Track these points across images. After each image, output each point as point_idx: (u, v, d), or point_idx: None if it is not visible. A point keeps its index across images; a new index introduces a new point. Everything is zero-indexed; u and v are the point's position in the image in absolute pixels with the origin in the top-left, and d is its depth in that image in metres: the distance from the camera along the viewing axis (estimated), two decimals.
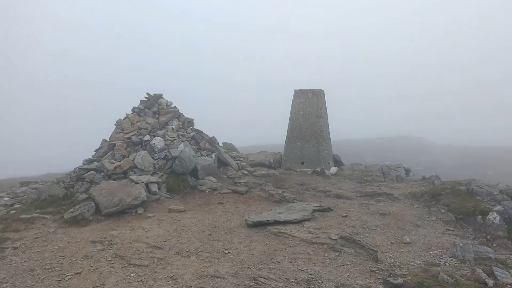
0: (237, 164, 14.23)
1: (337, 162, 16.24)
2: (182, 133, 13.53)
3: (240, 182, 12.45)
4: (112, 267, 6.58)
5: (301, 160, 14.84)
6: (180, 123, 13.83)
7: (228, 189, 11.83)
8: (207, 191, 11.59)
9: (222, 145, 16.20)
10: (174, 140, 12.86)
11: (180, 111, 14.12)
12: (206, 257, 7.01)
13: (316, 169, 14.27)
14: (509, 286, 5.96)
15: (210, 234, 8.18)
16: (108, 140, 12.87)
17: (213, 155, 13.36)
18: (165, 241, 7.75)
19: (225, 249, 7.38)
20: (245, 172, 13.64)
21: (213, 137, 14.48)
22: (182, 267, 6.55)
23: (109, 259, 6.90)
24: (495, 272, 6.30)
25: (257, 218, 8.87)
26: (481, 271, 6.32)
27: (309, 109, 15.07)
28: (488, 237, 8.52)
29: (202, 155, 13.10)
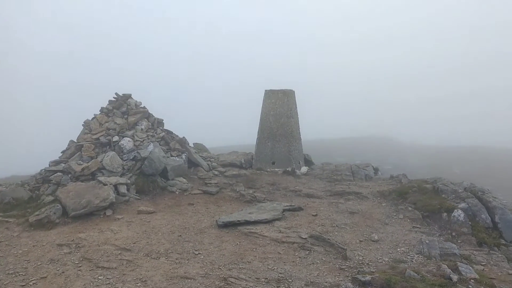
0: (208, 164, 14.17)
1: (308, 162, 16.37)
2: (152, 134, 13.38)
3: (210, 183, 12.40)
4: (79, 270, 6.45)
5: (272, 160, 14.89)
6: (150, 124, 13.68)
7: (199, 189, 11.77)
8: (177, 192, 11.50)
9: (192, 146, 16.10)
10: (143, 140, 12.70)
11: (149, 111, 13.97)
12: (176, 259, 6.96)
13: (287, 169, 14.34)
14: (473, 281, 6.14)
15: (180, 235, 8.13)
16: (76, 141, 12.61)
17: (183, 156, 13.27)
18: (134, 243, 7.65)
19: (195, 250, 7.34)
20: (216, 172, 13.59)
21: (183, 137, 14.38)
22: (152, 269, 6.49)
23: (76, 262, 6.77)
24: (460, 268, 6.49)
25: (228, 219, 8.86)
26: (446, 267, 6.49)
27: (279, 109, 15.13)
28: (453, 233, 8.76)
29: (172, 156, 13.00)
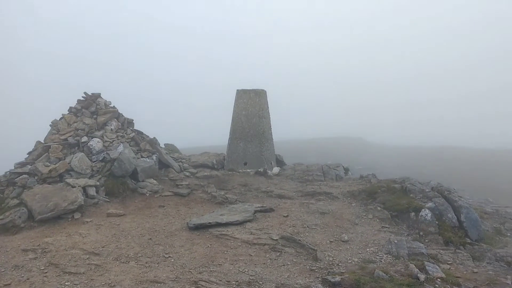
0: (179, 165, 14.05)
1: (280, 163, 16.44)
2: (122, 134, 13.17)
3: (182, 184, 12.30)
4: (45, 276, 6.28)
5: (244, 160, 14.88)
6: (120, 124, 13.46)
7: (170, 191, 11.65)
8: (147, 194, 11.35)
9: (163, 147, 15.93)
10: (113, 141, 12.49)
11: (119, 111, 13.74)
12: (146, 262, 6.87)
13: (259, 170, 14.36)
14: (439, 280, 6.28)
15: (151, 238, 8.03)
16: (43, 142, 12.28)
17: (154, 157, 13.11)
18: (103, 247, 7.51)
19: (166, 253, 7.27)
20: (187, 173, 13.49)
21: (154, 138, 14.21)
22: (121, 273, 6.38)
23: (42, 268, 6.59)
24: (427, 267, 6.63)
25: (199, 221, 8.81)
26: (414, 266, 6.62)
27: (251, 109, 15.14)
28: (421, 233, 8.94)
29: (142, 157, 12.82)
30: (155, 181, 12.12)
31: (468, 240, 8.80)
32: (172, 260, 7.00)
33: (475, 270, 7.09)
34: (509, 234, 10.08)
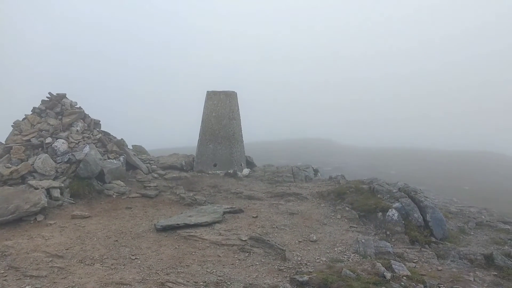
0: (147, 167, 13.85)
1: (250, 164, 16.43)
2: (88, 135, 12.87)
3: (150, 186, 12.11)
4: (4, 280, 6.04)
5: (214, 162, 14.80)
6: (86, 125, 13.16)
7: (137, 193, 11.45)
8: (114, 196, 11.12)
9: (131, 148, 15.67)
10: (79, 142, 12.19)
11: (86, 112, 13.44)
12: (112, 264, 6.71)
13: (229, 171, 14.31)
14: (405, 278, 6.38)
15: (117, 240, 7.85)
16: (4, 142, 11.89)
17: (121, 158, 12.87)
18: (67, 249, 7.29)
19: (132, 255, 7.12)
20: (156, 175, 13.31)
21: (122, 139, 13.97)
22: (85, 276, 6.21)
23: (2, 271, 6.33)
24: (393, 266, 6.73)
25: (167, 222, 8.68)
26: (381, 265, 6.70)
27: (221, 110, 15.08)
28: (388, 232, 9.07)
29: (109, 158, 12.57)
30: (122, 183, 11.89)
31: (433, 239, 8.99)
32: (139, 261, 6.87)
33: (440, 268, 7.25)
34: (472, 233, 10.33)
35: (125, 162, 12.99)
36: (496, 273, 7.08)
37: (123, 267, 6.62)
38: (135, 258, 7.00)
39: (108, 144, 13.17)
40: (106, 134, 13.79)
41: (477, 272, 7.11)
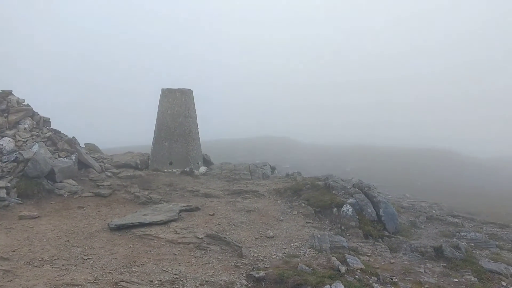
0: (101, 165, 13.45)
1: (207, 162, 16.31)
2: (37, 133, 12.37)
3: (103, 185, 11.78)
4: None
5: (170, 160, 14.59)
6: (34, 123, 12.64)
7: (90, 192, 11.11)
8: (65, 195, 10.73)
9: (83, 146, 15.19)
10: (27, 140, 11.69)
11: (34, 109, 12.91)
12: (63, 265, 6.46)
13: (185, 169, 14.14)
14: (359, 271, 6.52)
15: (68, 240, 7.58)
16: None
17: (73, 157, 12.44)
18: (14, 251, 6.96)
19: (84, 255, 6.89)
20: (109, 174, 12.95)
21: (73, 137, 13.51)
22: (33, 278, 5.94)
23: None
24: (348, 259, 6.87)
25: (121, 221, 8.47)
26: (336, 259, 6.82)
27: (177, 108, 14.89)
28: (343, 227, 9.25)
29: (60, 157, 12.11)
30: (74, 182, 11.50)
31: (386, 233, 9.26)
32: (91, 261, 6.65)
33: (392, 260, 7.45)
34: (423, 227, 10.72)
35: (77, 161, 12.56)
36: (445, 265, 7.36)
37: (75, 267, 6.39)
38: (88, 258, 6.79)
39: (58, 142, 12.70)
40: (56, 132, 13.29)
41: (427, 264, 7.36)
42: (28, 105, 12.81)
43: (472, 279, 6.71)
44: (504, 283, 6.74)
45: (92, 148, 16.38)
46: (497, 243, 9.25)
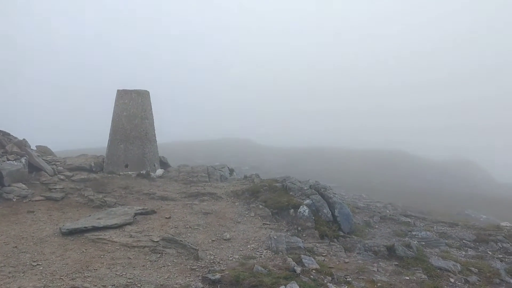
0: (53, 168, 13.02)
1: (164, 164, 16.10)
2: None
3: (55, 188, 11.40)
4: None
5: (125, 163, 14.29)
6: None
7: (41, 196, 10.73)
8: (14, 199, 10.31)
9: (35, 149, 14.66)
10: None
11: None
12: (9, 272, 6.20)
13: (141, 172, 13.91)
14: (314, 271, 6.60)
15: (16, 246, 7.28)
16: None
17: (23, 160, 11.97)
18: None
19: (34, 261, 6.64)
20: (62, 177, 12.55)
21: (24, 139, 13.02)
22: None
23: None
24: (303, 260, 6.94)
25: (73, 226, 8.22)
26: (291, 260, 6.88)
27: (133, 110, 14.61)
28: (299, 228, 9.34)
29: (8, 160, 11.63)
30: (24, 186, 11.07)
31: (341, 233, 9.41)
32: (41, 268, 6.42)
33: (347, 260, 7.60)
34: (377, 226, 10.98)
35: (28, 164, 12.10)
36: (397, 263, 7.57)
37: (23, 274, 6.15)
38: (37, 264, 6.55)
39: (7, 145, 12.21)
40: (5, 134, 12.78)
41: (380, 263, 7.54)
42: None
43: (423, 277, 6.93)
44: (452, 280, 7.00)
45: (44, 151, 15.81)
46: (446, 241, 9.61)
